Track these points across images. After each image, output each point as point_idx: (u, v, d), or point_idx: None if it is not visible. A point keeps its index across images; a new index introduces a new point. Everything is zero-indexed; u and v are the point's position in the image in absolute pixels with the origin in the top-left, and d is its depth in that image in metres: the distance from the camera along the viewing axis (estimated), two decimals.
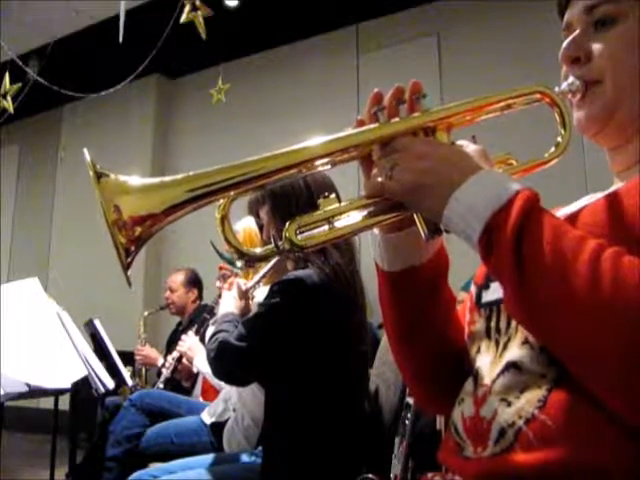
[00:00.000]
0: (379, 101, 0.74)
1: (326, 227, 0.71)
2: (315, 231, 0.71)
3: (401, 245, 0.78)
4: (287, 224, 0.70)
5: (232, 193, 0.70)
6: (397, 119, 0.73)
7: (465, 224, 0.64)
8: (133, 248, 0.65)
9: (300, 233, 0.70)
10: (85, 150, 0.67)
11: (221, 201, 0.71)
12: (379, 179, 0.70)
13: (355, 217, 0.72)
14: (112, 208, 0.64)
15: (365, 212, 0.72)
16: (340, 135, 0.72)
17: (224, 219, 0.71)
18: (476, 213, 0.62)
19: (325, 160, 0.72)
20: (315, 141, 0.71)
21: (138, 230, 0.65)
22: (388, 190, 0.69)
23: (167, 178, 0.68)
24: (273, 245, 0.71)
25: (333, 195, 0.72)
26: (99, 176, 0.66)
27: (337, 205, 0.72)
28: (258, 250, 0.73)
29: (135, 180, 0.68)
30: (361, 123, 0.75)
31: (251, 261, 0.74)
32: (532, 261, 0.58)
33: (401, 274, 0.79)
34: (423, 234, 0.71)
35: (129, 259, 0.65)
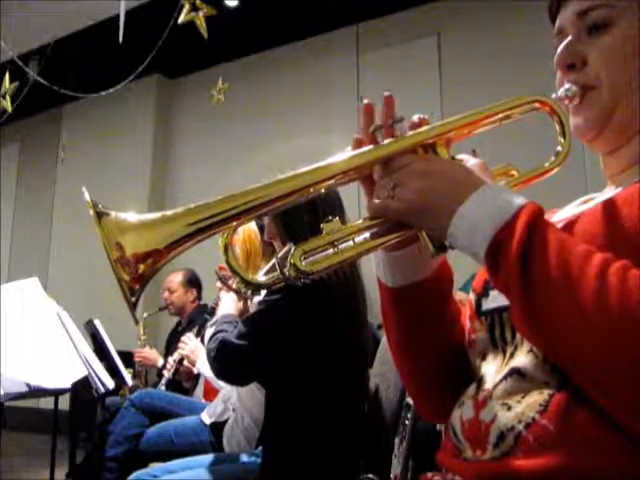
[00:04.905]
0: (370, 113, 0.74)
1: (331, 251, 0.70)
2: (320, 255, 0.70)
3: (404, 262, 0.78)
4: (292, 250, 0.69)
5: (234, 223, 0.69)
6: (396, 138, 0.72)
7: (470, 241, 0.63)
8: (137, 286, 0.65)
9: (305, 259, 0.70)
10: (84, 189, 0.67)
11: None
12: (381, 199, 0.70)
13: (360, 239, 0.72)
14: (114, 246, 0.64)
15: (369, 233, 0.72)
16: (340, 158, 0.72)
17: (228, 247, 0.70)
18: (481, 230, 0.62)
19: (326, 184, 0.71)
20: (315, 166, 0.71)
21: (141, 267, 0.64)
22: (391, 210, 0.69)
23: (168, 212, 0.67)
24: (279, 272, 0.70)
25: (337, 218, 0.72)
26: (100, 215, 0.65)
27: (341, 228, 0.71)
28: (263, 278, 0.73)
29: (135, 217, 0.67)
30: (359, 142, 0.74)
31: (257, 289, 0.73)
32: (538, 277, 0.58)
33: (404, 290, 0.79)
34: (429, 252, 0.70)
35: (134, 298, 0.65)
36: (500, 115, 0.77)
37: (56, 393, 2.42)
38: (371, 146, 0.73)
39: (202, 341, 2.53)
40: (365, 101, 0.75)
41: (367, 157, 0.72)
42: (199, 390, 2.94)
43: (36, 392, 2.05)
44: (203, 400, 2.76)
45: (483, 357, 0.76)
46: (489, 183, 0.67)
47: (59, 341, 2.10)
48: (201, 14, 3.10)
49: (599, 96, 0.74)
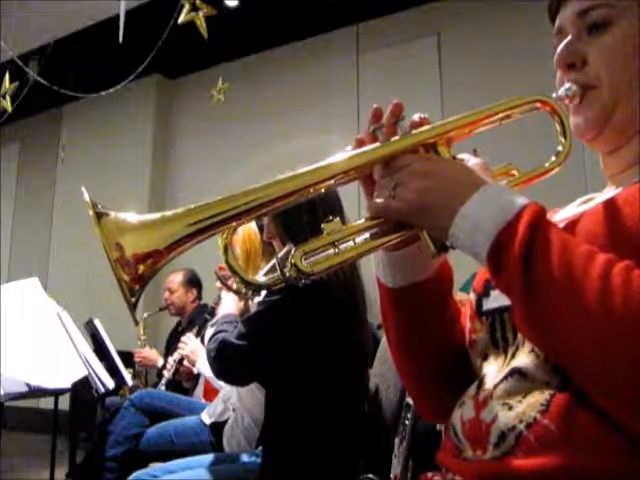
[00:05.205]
0: (379, 117, 0.73)
1: (331, 251, 0.70)
2: (321, 256, 0.70)
3: (404, 262, 0.77)
4: (293, 250, 0.69)
5: (234, 223, 0.69)
6: (397, 137, 0.72)
7: (472, 241, 0.63)
8: (137, 287, 0.64)
9: (305, 259, 0.69)
10: (84, 189, 0.66)
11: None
12: (382, 199, 0.69)
13: (360, 239, 0.71)
14: (114, 247, 0.63)
15: (370, 233, 0.71)
16: (340, 158, 0.71)
17: (227, 247, 0.70)
18: (483, 230, 0.62)
19: (326, 184, 0.71)
20: (315, 166, 0.70)
21: (141, 268, 0.64)
22: (392, 210, 0.68)
23: (168, 213, 0.67)
24: (279, 273, 0.70)
25: (337, 219, 0.71)
26: (99, 216, 0.64)
27: (342, 228, 0.70)
28: (263, 279, 0.72)
29: (134, 217, 0.67)
30: (360, 142, 0.74)
31: (257, 290, 0.72)
32: (541, 277, 0.58)
33: (404, 290, 0.79)
34: (430, 252, 0.69)
35: (134, 298, 0.64)
36: (501, 115, 0.77)
37: (56, 393, 2.42)
38: (372, 145, 0.73)
39: (202, 341, 2.53)
40: (375, 106, 0.74)
41: (367, 157, 0.72)
42: (199, 390, 2.95)
43: (36, 392, 2.05)
44: (203, 400, 2.76)
45: (484, 357, 0.76)
46: (490, 183, 0.67)
47: (59, 341, 2.10)
48: (201, 14, 3.10)
49: (599, 96, 0.74)
